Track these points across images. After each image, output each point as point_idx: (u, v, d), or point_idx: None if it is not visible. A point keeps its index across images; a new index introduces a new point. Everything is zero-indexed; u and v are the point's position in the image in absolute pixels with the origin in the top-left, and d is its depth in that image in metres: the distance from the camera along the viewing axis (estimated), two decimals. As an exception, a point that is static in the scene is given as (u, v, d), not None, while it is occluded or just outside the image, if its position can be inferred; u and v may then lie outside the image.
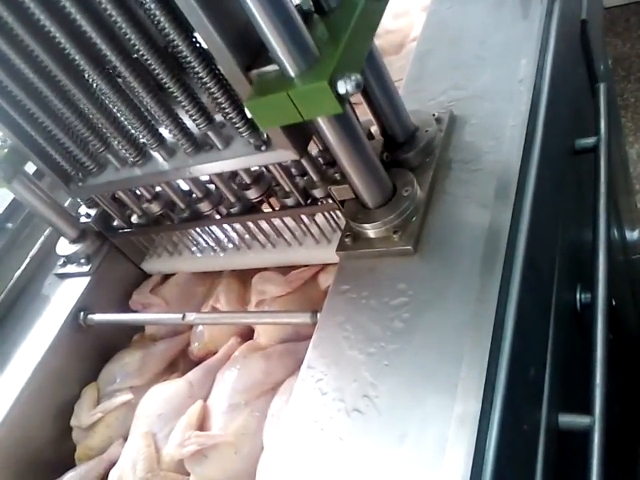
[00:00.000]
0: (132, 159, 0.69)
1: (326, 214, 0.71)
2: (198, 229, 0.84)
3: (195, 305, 0.91)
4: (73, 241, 0.92)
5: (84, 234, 0.91)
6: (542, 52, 0.72)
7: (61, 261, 0.93)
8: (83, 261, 0.91)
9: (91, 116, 0.68)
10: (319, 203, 0.69)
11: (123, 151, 0.69)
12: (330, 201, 0.67)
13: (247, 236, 0.81)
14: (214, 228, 0.82)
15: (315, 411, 0.53)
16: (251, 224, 0.78)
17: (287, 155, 0.58)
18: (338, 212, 0.70)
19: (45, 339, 0.84)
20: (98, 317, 0.87)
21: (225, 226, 0.81)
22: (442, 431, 0.46)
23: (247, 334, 0.85)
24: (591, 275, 0.65)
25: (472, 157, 0.65)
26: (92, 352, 0.89)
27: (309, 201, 0.70)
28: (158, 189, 0.80)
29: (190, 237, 0.86)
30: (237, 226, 0.80)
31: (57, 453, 0.84)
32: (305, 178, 0.69)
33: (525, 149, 0.62)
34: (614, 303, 0.73)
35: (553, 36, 0.75)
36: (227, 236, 0.83)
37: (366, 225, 0.63)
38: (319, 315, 0.63)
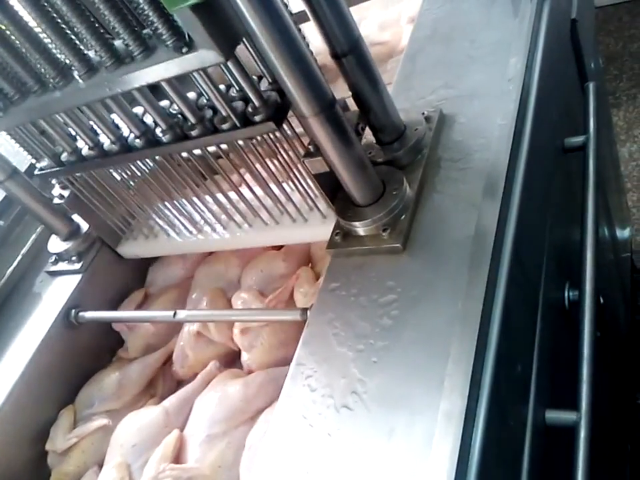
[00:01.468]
0: (52, 81, 0.64)
1: (302, 191, 0.70)
2: (174, 210, 0.83)
3: (180, 327, 0.90)
4: (65, 239, 0.92)
5: (75, 231, 0.92)
6: (531, 51, 0.73)
7: (53, 258, 0.93)
8: (74, 258, 0.91)
9: (11, 37, 0.62)
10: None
11: (44, 72, 0.63)
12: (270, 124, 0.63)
13: (222, 216, 0.80)
14: (189, 209, 0.82)
15: (304, 407, 0.54)
16: (227, 204, 0.77)
17: (210, 56, 0.53)
18: (315, 190, 0.69)
19: (36, 337, 0.84)
20: (89, 314, 0.87)
21: (201, 206, 0.81)
22: (429, 427, 0.46)
23: (232, 358, 0.85)
24: (578, 273, 0.66)
25: (461, 155, 0.65)
26: (83, 350, 0.89)
27: (245, 123, 0.64)
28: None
29: (166, 219, 0.85)
30: (213, 207, 0.80)
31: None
32: (248, 105, 0.65)
33: (514, 148, 0.63)
34: (602, 300, 0.74)
35: (542, 35, 0.76)
36: (202, 217, 0.82)
37: (355, 223, 0.63)
38: (309, 312, 0.63)
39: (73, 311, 0.87)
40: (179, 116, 0.69)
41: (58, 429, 0.82)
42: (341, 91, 0.66)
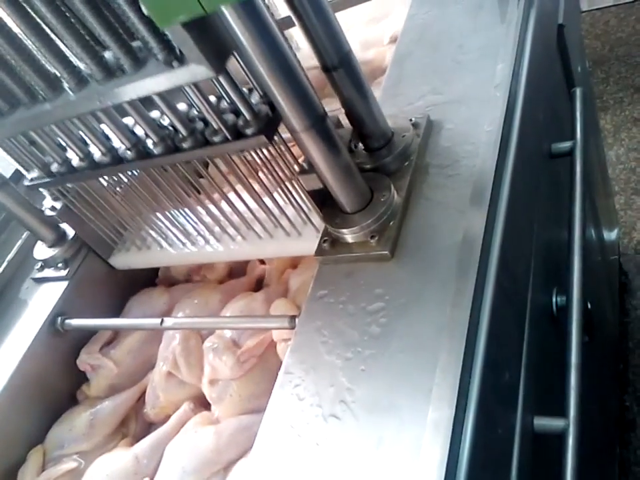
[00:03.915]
0: (42, 93, 0.63)
1: (296, 205, 0.70)
2: (167, 222, 0.82)
3: (147, 368, 0.88)
4: (51, 245, 0.91)
5: (61, 238, 0.91)
6: (518, 56, 0.73)
7: (39, 265, 0.92)
8: (60, 265, 0.90)
9: (1, 49, 0.61)
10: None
11: (33, 85, 0.63)
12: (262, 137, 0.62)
13: (216, 229, 0.80)
14: (182, 220, 0.81)
15: (292, 417, 0.54)
16: (220, 216, 0.77)
17: (201, 70, 0.53)
18: (308, 204, 0.69)
19: (22, 344, 0.84)
20: (75, 321, 0.86)
21: (194, 218, 0.80)
22: (417, 435, 0.46)
23: (206, 400, 0.81)
24: (566, 279, 0.66)
25: (448, 161, 0.65)
26: (69, 357, 0.88)
27: (236, 136, 0.64)
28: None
29: (159, 231, 0.84)
30: (207, 219, 0.79)
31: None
32: (239, 118, 0.64)
33: (501, 154, 0.63)
34: (589, 305, 0.74)
35: (529, 40, 0.76)
36: (195, 229, 0.82)
37: (343, 230, 0.63)
38: (297, 319, 0.63)
39: (59, 318, 0.86)
40: (170, 128, 0.68)
41: (26, 471, 0.80)
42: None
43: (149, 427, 0.86)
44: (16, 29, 0.59)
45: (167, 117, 0.65)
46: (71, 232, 0.91)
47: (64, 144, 0.75)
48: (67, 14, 0.55)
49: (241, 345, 0.78)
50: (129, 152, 0.70)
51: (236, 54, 0.59)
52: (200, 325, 0.81)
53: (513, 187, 0.61)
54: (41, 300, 0.89)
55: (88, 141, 0.73)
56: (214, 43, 0.51)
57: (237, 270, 0.97)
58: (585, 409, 0.58)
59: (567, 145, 0.78)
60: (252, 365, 0.76)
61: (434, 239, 0.59)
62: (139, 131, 0.70)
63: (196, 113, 0.67)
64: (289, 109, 0.54)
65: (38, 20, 0.57)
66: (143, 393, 0.86)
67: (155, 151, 0.68)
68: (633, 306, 1.61)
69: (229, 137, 0.63)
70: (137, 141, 0.70)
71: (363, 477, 0.47)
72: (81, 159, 0.74)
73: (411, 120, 0.69)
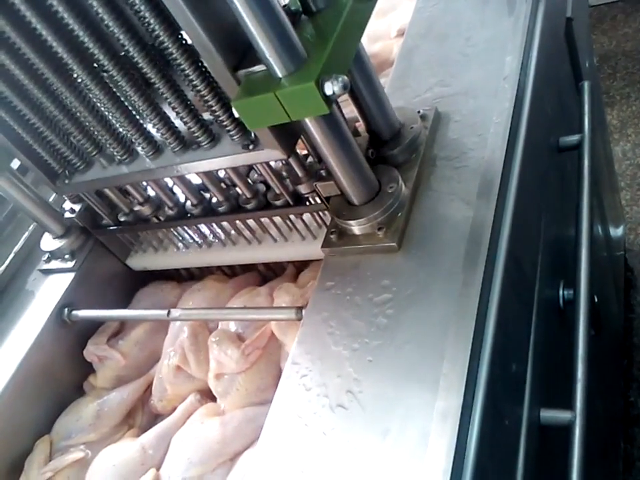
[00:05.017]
0: (119, 157, 0.69)
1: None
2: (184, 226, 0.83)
3: (154, 360, 0.88)
4: (58, 237, 0.91)
5: (68, 230, 0.91)
6: (526, 49, 0.73)
7: (45, 256, 0.92)
8: (67, 256, 0.90)
9: (78, 114, 0.67)
10: (307, 203, 0.70)
11: (111, 149, 0.69)
12: (318, 200, 0.67)
13: (232, 232, 0.81)
14: (199, 225, 0.82)
15: (299, 407, 0.54)
16: (236, 220, 0.78)
17: (274, 154, 0.58)
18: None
19: (29, 335, 0.84)
20: (82, 313, 0.86)
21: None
22: (424, 426, 0.46)
23: (212, 393, 0.80)
24: (573, 272, 0.66)
25: (456, 153, 0.65)
26: (76, 348, 0.88)
27: (295, 201, 0.70)
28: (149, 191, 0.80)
29: (175, 233, 0.85)
30: (223, 222, 0.80)
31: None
32: (292, 175, 0.69)
33: (509, 146, 0.62)
34: (596, 299, 0.74)
35: (537, 33, 0.76)
36: (212, 232, 0.82)
37: (351, 222, 0.63)
38: (304, 311, 0.63)
39: (66, 309, 0.87)
40: (234, 188, 0.73)
41: (33, 461, 0.80)
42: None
43: (156, 418, 0.86)
44: (94, 96, 0.65)
45: (234, 179, 0.70)
46: (77, 223, 0.91)
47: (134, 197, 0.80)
48: (144, 88, 0.62)
49: (245, 338, 0.78)
50: (194, 208, 0.76)
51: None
52: (206, 317, 0.82)
53: (521, 179, 0.61)
54: (48, 291, 0.90)
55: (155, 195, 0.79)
56: (286, 130, 0.56)
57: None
58: (590, 403, 0.58)
59: (574, 138, 0.78)
60: (257, 358, 0.76)
61: (441, 231, 0.59)
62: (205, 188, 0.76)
63: (256, 175, 0.72)
64: (352, 190, 0.62)
65: (119, 94, 0.64)
66: (150, 385, 0.86)
67: (220, 210, 0.74)
68: (638, 302, 1.60)
69: (290, 202, 0.70)
70: (202, 199, 0.75)
71: (370, 467, 0.47)
72: (148, 214, 0.80)
73: (418, 112, 0.69)
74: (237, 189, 0.73)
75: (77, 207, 0.90)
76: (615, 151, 1.96)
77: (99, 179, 0.72)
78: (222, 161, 0.63)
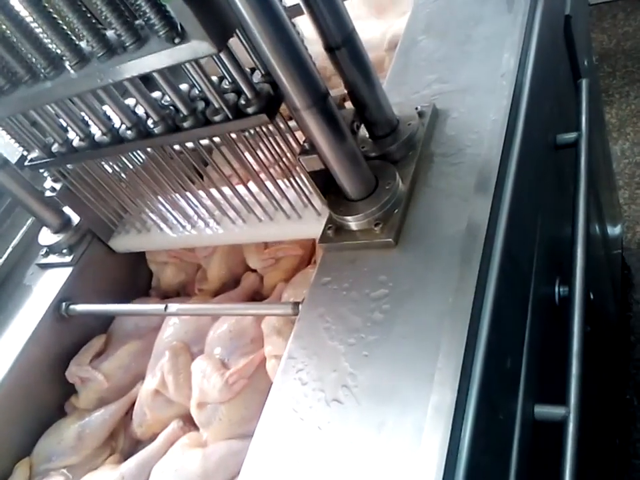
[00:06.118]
0: (43, 71, 0.63)
1: (296, 188, 0.70)
2: (167, 205, 0.82)
3: (138, 381, 0.87)
4: (56, 231, 0.91)
5: (66, 224, 0.91)
6: (525, 46, 0.73)
7: (43, 251, 0.92)
8: (65, 251, 0.91)
9: (1, 26, 0.61)
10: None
11: (35, 64, 0.63)
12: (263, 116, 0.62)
13: (216, 212, 0.80)
14: (183, 203, 0.81)
15: (295, 401, 0.54)
16: (221, 199, 0.77)
17: (203, 47, 0.52)
18: (309, 187, 0.69)
19: (27, 329, 0.84)
20: (80, 307, 0.86)
21: (194, 201, 0.80)
22: (419, 420, 0.46)
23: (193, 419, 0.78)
24: (569, 269, 0.66)
25: (453, 150, 0.65)
26: (73, 343, 0.88)
27: (237, 115, 0.64)
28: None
29: (159, 214, 0.84)
30: (207, 202, 0.79)
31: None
32: (240, 97, 0.64)
33: (506, 143, 0.63)
34: (592, 296, 0.74)
35: (536, 31, 0.76)
36: (196, 212, 0.81)
37: (348, 217, 0.63)
38: (300, 306, 0.63)
39: (64, 303, 0.87)
40: (171, 107, 0.68)
41: None
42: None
43: (138, 441, 0.85)
44: (17, 6, 0.59)
45: (168, 96, 0.65)
46: (75, 218, 0.92)
47: (65, 124, 0.74)
48: None
49: (230, 366, 0.76)
50: (129, 131, 0.69)
51: (239, 33, 0.58)
52: (203, 312, 0.82)
53: (518, 176, 0.61)
54: (46, 285, 0.90)
55: (89, 121, 0.73)
56: (216, 20, 0.51)
57: (230, 283, 0.95)
58: (585, 399, 0.58)
59: (572, 136, 0.78)
60: (241, 387, 0.74)
61: (438, 227, 0.60)
62: (140, 111, 0.70)
63: (197, 92, 0.67)
64: (291, 86, 0.53)
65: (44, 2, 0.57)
66: (133, 405, 0.85)
67: (156, 131, 0.68)
68: (635, 300, 1.61)
69: (230, 116, 0.63)
70: (137, 121, 0.69)
71: (365, 460, 0.47)
72: (81, 139, 0.74)
73: (416, 108, 0.69)
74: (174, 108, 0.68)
75: (57, 186, 0.88)
76: (613, 149, 1.96)
77: (23, 97, 0.66)
78: (147, 61, 0.57)
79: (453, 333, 0.50)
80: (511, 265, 0.57)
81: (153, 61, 0.56)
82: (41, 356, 0.85)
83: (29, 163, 0.79)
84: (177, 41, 0.53)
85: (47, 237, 0.92)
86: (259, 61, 0.63)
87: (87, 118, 0.73)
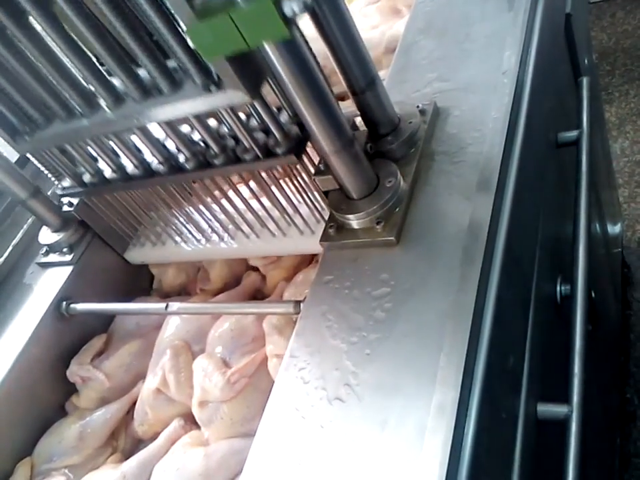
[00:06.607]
0: (79, 109, 0.65)
1: (309, 204, 0.71)
2: (182, 218, 0.83)
3: (139, 380, 0.86)
4: (56, 230, 0.91)
5: (66, 223, 0.91)
6: (526, 44, 0.73)
7: (44, 250, 0.92)
8: (65, 250, 0.90)
9: (37, 64, 0.63)
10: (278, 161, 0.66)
11: (71, 102, 0.65)
12: (292, 156, 0.64)
13: (230, 226, 0.81)
14: (197, 217, 0.82)
15: (297, 399, 0.54)
16: (235, 214, 0.78)
17: (237, 96, 0.55)
18: (322, 203, 0.70)
19: (27, 329, 0.84)
20: (80, 306, 0.86)
21: (209, 215, 0.81)
22: (421, 419, 0.46)
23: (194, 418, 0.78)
24: (571, 267, 0.66)
25: (455, 148, 0.65)
26: (74, 342, 0.88)
27: (267, 154, 0.66)
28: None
29: (174, 227, 0.85)
30: (221, 216, 0.80)
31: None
32: (269, 137, 0.65)
33: (507, 141, 0.63)
34: (593, 295, 0.74)
35: (537, 29, 0.76)
36: (210, 226, 0.82)
37: (349, 216, 0.63)
38: (302, 304, 0.63)
39: (64, 302, 0.87)
40: (201, 143, 0.70)
41: None
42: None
43: (139, 440, 0.85)
44: (53, 44, 0.61)
45: (199, 133, 0.66)
46: (76, 217, 0.91)
47: (96, 155, 0.76)
48: (104, 32, 0.57)
49: (232, 365, 0.75)
50: (161, 166, 0.72)
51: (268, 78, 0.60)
52: (204, 310, 0.82)
53: (520, 174, 0.61)
54: (46, 284, 0.90)
55: (120, 154, 0.75)
56: (250, 70, 0.53)
57: (231, 282, 0.95)
58: (587, 398, 0.58)
59: (573, 134, 0.78)
60: (243, 386, 0.73)
61: (440, 226, 0.60)
62: (170, 145, 0.71)
63: (226, 130, 0.68)
64: (321, 133, 0.57)
65: (74, 36, 0.59)
66: (134, 404, 0.84)
67: (187, 166, 0.70)
68: (635, 299, 1.61)
69: (260, 156, 0.65)
70: (169, 156, 0.71)
71: (367, 459, 0.47)
72: (113, 171, 0.76)
73: (417, 106, 0.69)
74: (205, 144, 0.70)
75: (74, 200, 0.89)
76: (613, 147, 1.96)
77: (59, 133, 0.69)
78: (183, 105, 0.59)
79: (455, 331, 0.50)
80: (513, 263, 0.57)
81: (189, 106, 0.59)
82: (42, 355, 0.85)
83: (62, 193, 0.81)
84: (212, 89, 0.55)
85: (47, 235, 0.92)
86: (287, 103, 0.64)
87: (118, 150, 0.74)
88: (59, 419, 0.85)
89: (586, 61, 1.06)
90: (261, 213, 0.76)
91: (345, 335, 0.56)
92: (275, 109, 0.64)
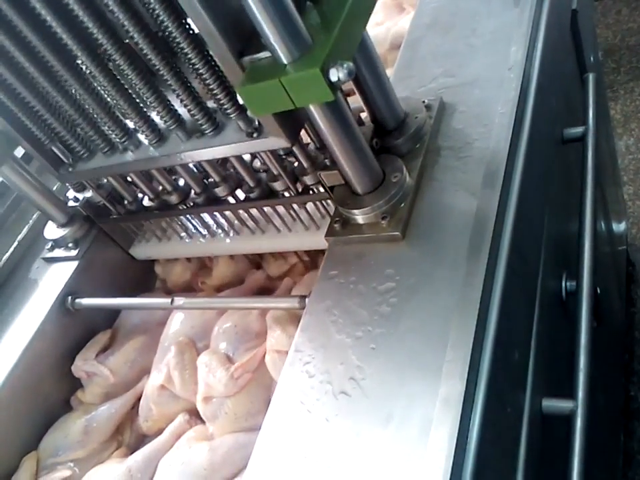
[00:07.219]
0: (122, 145, 0.69)
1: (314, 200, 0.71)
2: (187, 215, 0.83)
3: (143, 376, 0.87)
4: (61, 225, 0.91)
5: (72, 218, 0.91)
6: (532, 40, 0.72)
7: (49, 245, 0.93)
8: (70, 245, 0.91)
9: (82, 101, 0.67)
10: (310, 192, 0.69)
11: (114, 137, 0.69)
12: (321, 189, 0.67)
13: (235, 222, 0.81)
14: (203, 213, 0.82)
15: (303, 393, 0.54)
16: (240, 210, 0.78)
17: (279, 142, 0.58)
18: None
19: (33, 323, 0.84)
20: (85, 301, 0.86)
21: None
22: (427, 413, 0.46)
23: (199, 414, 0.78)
24: (576, 264, 0.66)
25: (461, 144, 0.65)
26: (79, 337, 0.89)
27: (300, 190, 0.70)
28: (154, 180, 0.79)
29: (179, 223, 0.85)
30: (227, 212, 0.80)
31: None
32: (296, 165, 0.69)
33: (513, 137, 0.62)
34: (598, 291, 0.74)
35: (543, 24, 0.75)
36: (215, 222, 0.82)
37: (355, 211, 0.63)
38: (307, 299, 0.63)
39: (70, 297, 0.87)
40: (236, 176, 0.73)
41: (19, 479, 0.79)
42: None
43: (144, 435, 0.85)
44: (98, 84, 0.66)
45: (237, 170, 0.70)
46: (80, 212, 0.92)
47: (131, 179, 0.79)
48: (145, 73, 0.62)
49: (236, 361, 0.76)
50: (198, 197, 0.76)
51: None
52: (209, 305, 0.82)
53: (526, 169, 0.61)
54: (52, 279, 0.90)
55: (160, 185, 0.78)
56: (290, 118, 0.56)
57: (234, 281, 0.95)
58: (592, 394, 0.58)
59: (579, 130, 0.78)
60: (246, 382, 0.74)
61: (445, 221, 0.59)
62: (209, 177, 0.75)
63: (259, 163, 0.72)
64: (354, 176, 0.62)
65: (123, 81, 0.64)
66: (139, 398, 0.85)
67: (225, 199, 0.74)
68: (639, 296, 1.60)
69: (294, 192, 0.70)
70: (206, 188, 0.75)
71: (372, 453, 0.47)
72: (150, 199, 0.80)
73: (423, 102, 0.69)
74: (239, 177, 0.73)
75: (80, 196, 0.90)
76: (618, 145, 1.95)
77: (102, 167, 0.72)
78: (226, 149, 0.62)
79: (460, 326, 0.50)
80: (519, 259, 0.57)
81: (232, 149, 0.63)
82: (47, 350, 0.85)
83: (104, 221, 0.88)
84: (255, 135, 0.59)
85: (52, 231, 0.92)
86: (320, 143, 0.67)
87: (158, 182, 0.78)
88: (64, 413, 0.86)
89: (592, 58, 1.06)
90: (267, 208, 0.76)
91: (350, 329, 0.56)
92: (310, 148, 0.68)
